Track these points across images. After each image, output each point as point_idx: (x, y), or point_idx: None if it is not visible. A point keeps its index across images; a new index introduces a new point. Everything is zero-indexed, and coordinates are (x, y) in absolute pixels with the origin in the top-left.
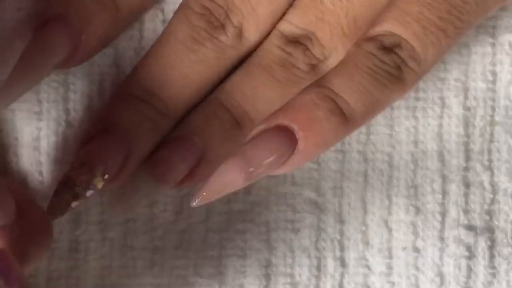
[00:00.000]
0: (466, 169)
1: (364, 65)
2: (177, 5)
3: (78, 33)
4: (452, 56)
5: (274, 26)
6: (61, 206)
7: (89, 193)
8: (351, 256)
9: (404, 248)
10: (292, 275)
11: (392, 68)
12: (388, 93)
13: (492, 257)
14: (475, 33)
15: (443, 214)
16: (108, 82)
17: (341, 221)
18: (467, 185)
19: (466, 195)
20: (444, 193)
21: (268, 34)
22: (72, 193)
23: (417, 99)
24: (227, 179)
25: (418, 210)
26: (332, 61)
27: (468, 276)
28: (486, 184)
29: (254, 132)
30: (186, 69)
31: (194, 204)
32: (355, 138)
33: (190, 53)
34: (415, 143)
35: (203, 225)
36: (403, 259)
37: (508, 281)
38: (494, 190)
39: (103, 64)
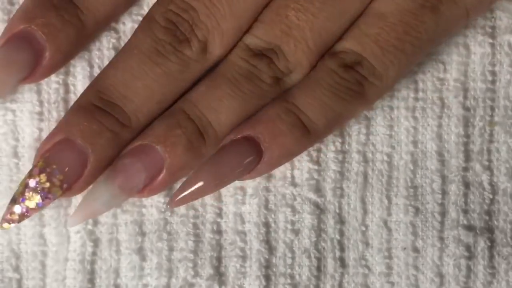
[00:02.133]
0: (466, 169)
1: (325, 81)
2: None
3: (42, 49)
4: (451, 57)
5: (239, 40)
6: (17, 214)
7: (47, 201)
8: (351, 256)
9: (404, 248)
10: (292, 276)
11: (353, 84)
12: (350, 107)
13: (491, 257)
14: (474, 34)
15: (443, 214)
16: None
17: (341, 222)
18: (466, 185)
19: (465, 195)
20: (444, 193)
21: (233, 48)
22: (29, 201)
23: (416, 99)
24: (198, 186)
25: (417, 210)
26: (297, 75)
27: (468, 276)
28: (486, 184)
29: (224, 141)
30: (150, 81)
31: (165, 209)
32: (355, 139)
33: (154, 66)
34: (415, 143)
35: (203, 225)
36: (402, 259)
37: (507, 281)
38: (494, 190)
39: (103, 65)
